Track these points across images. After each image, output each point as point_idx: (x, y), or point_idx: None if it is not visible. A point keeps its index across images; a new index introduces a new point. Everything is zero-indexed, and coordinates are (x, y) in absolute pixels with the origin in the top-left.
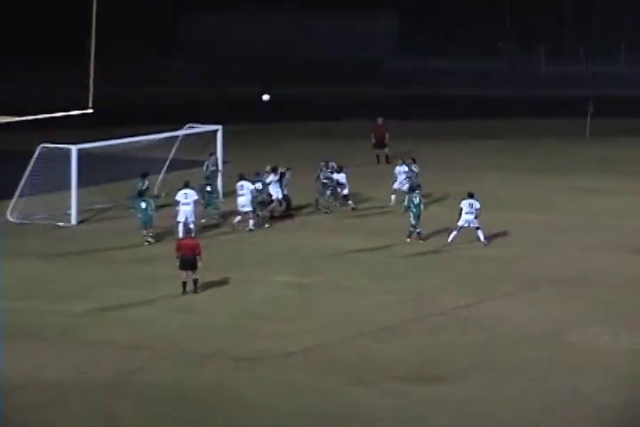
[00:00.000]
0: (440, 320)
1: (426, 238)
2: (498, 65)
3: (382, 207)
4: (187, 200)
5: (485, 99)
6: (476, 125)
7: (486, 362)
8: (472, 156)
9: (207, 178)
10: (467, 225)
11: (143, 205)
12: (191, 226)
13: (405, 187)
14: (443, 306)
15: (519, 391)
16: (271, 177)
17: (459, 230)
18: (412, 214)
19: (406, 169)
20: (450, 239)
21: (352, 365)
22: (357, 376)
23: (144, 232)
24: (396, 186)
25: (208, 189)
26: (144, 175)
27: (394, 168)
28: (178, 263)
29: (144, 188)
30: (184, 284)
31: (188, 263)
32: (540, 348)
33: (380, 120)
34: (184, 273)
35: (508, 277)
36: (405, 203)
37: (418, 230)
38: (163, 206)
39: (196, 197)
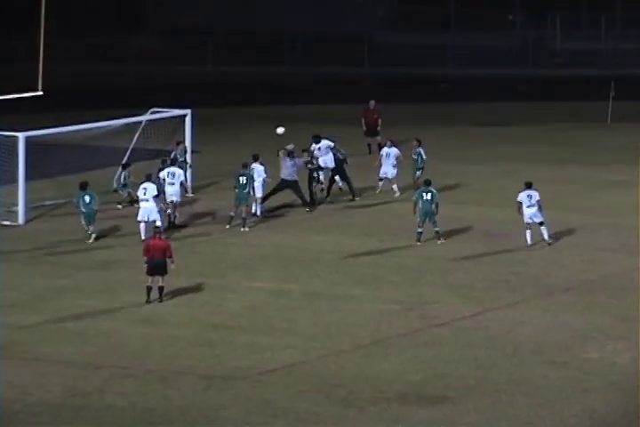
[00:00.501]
0: (441, 332)
1: (447, 237)
2: (506, 40)
3: (376, 204)
4: (145, 196)
5: (491, 79)
6: (480, 109)
7: (492, 381)
8: (474, 144)
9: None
10: (530, 221)
11: (87, 198)
12: (157, 223)
13: (390, 174)
14: (444, 316)
15: (527, 417)
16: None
17: (529, 228)
18: (421, 211)
19: (396, 152)
20: (528, 241)
21: (340, 384)
22: (346, 397)
23: (89, 228)
24: (382, 173)
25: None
26: (125, 166)
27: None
28: (145, 268)
29: (122, 181)
30: (149, 290)
31: (158, 267)
32: (551, 366)
33: (371, 104)
34: (150, 278)
35: (517, 282)
36: (414, 197)
37: (436, 229)
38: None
39: (155, 193)
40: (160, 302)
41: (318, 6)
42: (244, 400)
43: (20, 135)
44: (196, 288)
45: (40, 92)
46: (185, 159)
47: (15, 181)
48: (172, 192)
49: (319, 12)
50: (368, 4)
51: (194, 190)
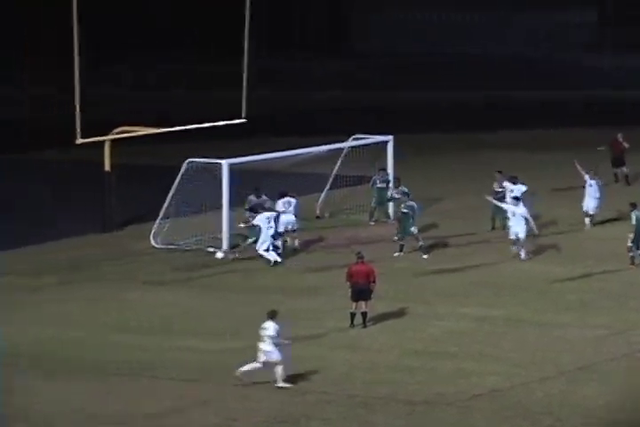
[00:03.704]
0: None
1: None
2: None
3: (578, 230)
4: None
5: None
6: None
7: None
8: None
9: (374, 197)
10: None
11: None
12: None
13: (592, 208)
14: None
15: None
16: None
17: None
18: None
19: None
20: None
21: (546, 411)
22: (552, 425)
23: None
24: (585, 207)
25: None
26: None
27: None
28: (349, 293)
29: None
30: (352, 315)
31: (362, 293)
32: None
33: (619, 135)
34: (354, 304)
35: None
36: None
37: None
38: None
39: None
40: (364, 327)
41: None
42: (448, 426)
43: (224, 162)
44: (399, 314)
45: (244, 120)
46: (386, 186)
47: (219, 208)
48: (288, 220)
49: (511, 35)
50: (570, 27)
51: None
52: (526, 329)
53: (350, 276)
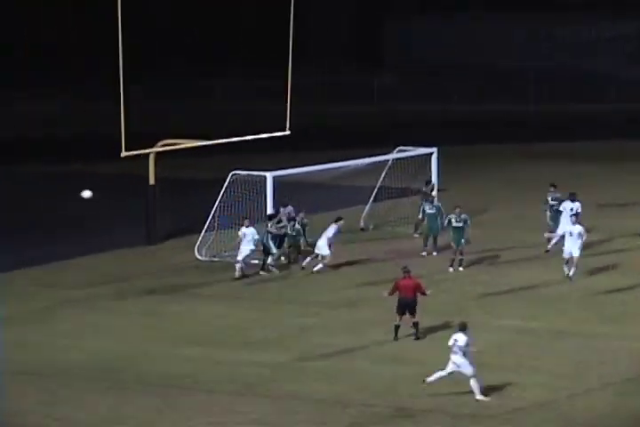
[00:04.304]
0: None
1: None
2: None
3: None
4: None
5: None
6: None
7: None
8: None
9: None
10: None
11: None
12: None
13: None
14: None
15: None
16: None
17: None
18: None
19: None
20: None
21: (590, 423)
22: None
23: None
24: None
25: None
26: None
27: None
28: (395, 307)
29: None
30: (396, 328)
31: (408, 306)
32: None
33: None
34: (399, 317)
35: None
36: None
37: None
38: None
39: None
40: (417, 338)
41: (558, 42)
42: None
43: (268, 175)
44: (443, 326)
45: (287, 132)
46: (430, 198)
47: (263, 220)
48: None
49: (560, 48)
50: (617, 40)
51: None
52: (568, 340)
53: (397, 290)
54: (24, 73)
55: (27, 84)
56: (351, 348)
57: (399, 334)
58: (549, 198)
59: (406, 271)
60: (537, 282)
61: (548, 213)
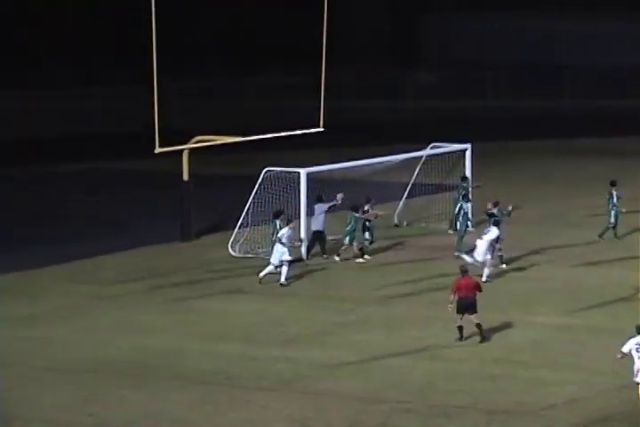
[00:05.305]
0: None
1: None
2: None
3: None
4: None
5: None
6: None
7: None
8: None
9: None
10: None
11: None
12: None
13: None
14: None
15: None
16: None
17: None
18: None
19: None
20: None
21: (626, 419)
22: None
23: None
24: None
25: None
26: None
27: None
28: (455, 306)
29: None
30: (460, 329)
31: (469, 306)
32: None
33: None
34: (460, 316)
35: None
36: None
37: None
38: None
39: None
40: (482, 341)
41: (593, 39)
42: None
43: (302, 171)
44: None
45: (321, 129)
46: (466, 194)
47: (296, 216)
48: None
49: (590, 45)
50: None
51: (473, 224)
52: (606, 337)
53: (458, 289)
54: (59, 72)
55: (64, 83)
56: (386, 344)
57: (460, 335)
58: (614, 196)
59: (464, 271)
60: (577, 278)
61: (613, 212)
